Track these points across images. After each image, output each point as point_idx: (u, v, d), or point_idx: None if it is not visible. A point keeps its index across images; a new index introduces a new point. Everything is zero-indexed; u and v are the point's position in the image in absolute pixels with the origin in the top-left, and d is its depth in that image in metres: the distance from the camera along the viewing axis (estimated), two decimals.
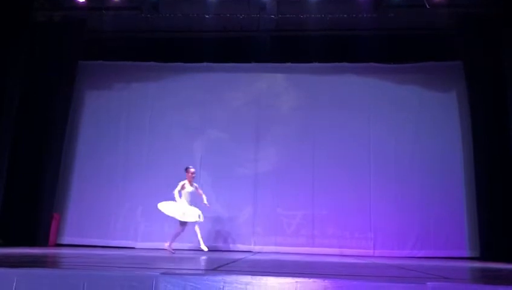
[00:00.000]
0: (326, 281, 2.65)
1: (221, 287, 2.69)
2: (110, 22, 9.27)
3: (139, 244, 8.94)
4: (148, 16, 9.17)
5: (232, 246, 8.81)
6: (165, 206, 7.49)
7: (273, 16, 9.16)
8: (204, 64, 9.75)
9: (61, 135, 9.14)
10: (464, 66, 9.07)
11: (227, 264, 4.28)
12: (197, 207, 7.61)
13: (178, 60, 9.80)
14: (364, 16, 8.90)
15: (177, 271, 2.99)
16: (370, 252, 8.69)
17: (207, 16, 9.05)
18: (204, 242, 8.32)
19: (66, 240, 9.05)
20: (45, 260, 4.64)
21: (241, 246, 8.82)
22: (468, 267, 5.44)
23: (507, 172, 8.03)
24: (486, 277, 4.00)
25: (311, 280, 2.66)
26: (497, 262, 7.13)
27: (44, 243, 8.51)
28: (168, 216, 7.85)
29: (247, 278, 2.70)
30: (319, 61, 9.63)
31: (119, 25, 9.41)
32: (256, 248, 8.83)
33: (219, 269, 3.58)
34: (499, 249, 7.93)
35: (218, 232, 9.02)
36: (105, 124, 9.63)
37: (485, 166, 8.30)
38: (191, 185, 7.58)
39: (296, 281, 2.65)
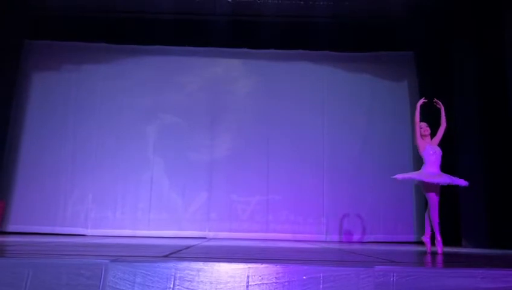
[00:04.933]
0: (277, 266, 2.67)
1: (173, 274, 2.65)
2: (59, 0, 8.85)
3: (90, 232, 8.72)
4: None
5: (186, 233, 8.74)
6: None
7: (230, 0, 9.04)
8: (158, 47, 9.53)
9: (4, 118, 8.69)
10: (415, 57, 9.33)
11: (180, 250, 4.24)
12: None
13: (130, 42, 9.53)
14: (321, 3, 8.95)
15: (127, 258, 2.92)
16: (322, 237, 8.89)
17: None
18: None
19: (11, 227, 8.67)
20: None
21: (195, 233, 8.77)
22: (415, 251, 5.66)
23: (452, 161, 8.36)
24: (430, 260, 4.16)
25: (263, 265, 2.68)
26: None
27: None
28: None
29: (199, 265, 2.68)
30: (275, 48, 9.63)
31: (70, 3, 8.99)
32: (211, 234, 8.82)
33: (171, 255, 3.53)
34: (444, 233, 8.29)
35: (172, 218, 8.93)
36: (53, 107, 9.23)
37: None
38: (427, 141, 5.42)
39: (248, 267, 2.66)
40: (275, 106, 9.40)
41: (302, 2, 8.90)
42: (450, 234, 8.18)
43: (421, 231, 8.75)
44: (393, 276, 2.65)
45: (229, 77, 9.62)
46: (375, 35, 9.47)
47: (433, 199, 5.25)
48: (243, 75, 9.66)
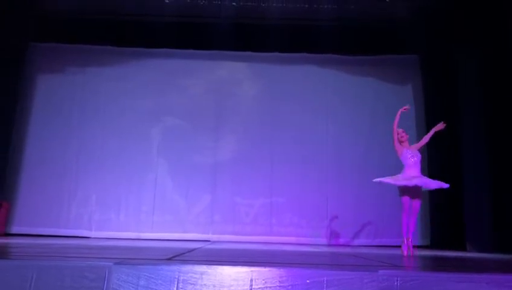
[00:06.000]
0: (281, 269, 2.67)
1: (176, 277, 2.65)
2: (64, 3, 8.89)
3: (93, 234, 8.73)
4: None
5: (189, 235, 8.74)
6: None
7: (234, 3, 9.07)
8: (162, 49, 9.55)
9: (9, 119, 8.73)
10: (419, 60, 9.31)
11: (183, 253, 4.23)
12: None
13: (134, 44, 9.55)
14: (325, 6, 8.95)
15: (131, 261, 2.92)
16: (326, 240, 8.86)
17: (167, 1, 8.85)
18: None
19: (15, 229, 8.69)
20: None
21: (198, 235, 8.76)
22: (419, 255, 5.64)
23: (457, 164, 8.33)
24: (434, 264, 4.15)
25: (267, 268, 2.67)
26: (445, 250, 7.47)
27: None
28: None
29: (202, 268, 2.67)
30: (279, 51, 9.63)
31: (74, 6, 9.03)
32: (214, 237, 8.81)
33: (174, 258, 3.53)
34: (449, 237, 8.29)
35: (176, 220, 8.93)
36: (57, 109, 9.25)
37: (437, 158, 8.58)
38: (405, 146, 5.51)
39: (252, 270, 2.66)
40: (279, 108, 9.40)
41: (306, 6, 8.92)
42: (454, 237, 8.16)
43: (426, 235, 8.77)
44: (397, 280, 2.64)
45: (233, 79, 9.63)
46: (379, 39, 9.46)
47: (405, 202, 5.40)
48: (247, 78, 9.67)
